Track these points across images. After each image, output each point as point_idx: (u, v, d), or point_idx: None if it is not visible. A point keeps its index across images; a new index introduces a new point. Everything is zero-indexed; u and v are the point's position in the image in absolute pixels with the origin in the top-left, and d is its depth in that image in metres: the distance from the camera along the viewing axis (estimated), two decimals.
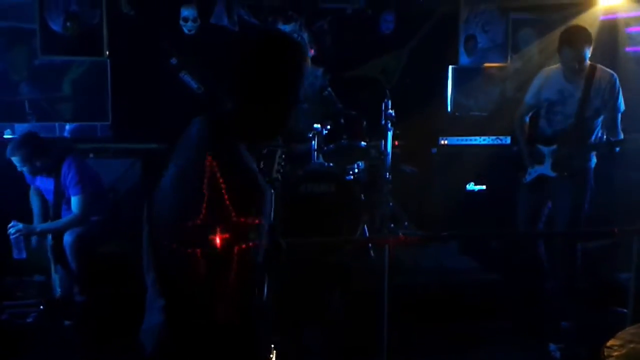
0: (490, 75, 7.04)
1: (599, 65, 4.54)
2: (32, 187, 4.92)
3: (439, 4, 6.86)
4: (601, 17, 6.46)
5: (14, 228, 4.61)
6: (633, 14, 6.30)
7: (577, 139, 4.55)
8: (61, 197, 4.74)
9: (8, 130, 6.13)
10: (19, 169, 4.66)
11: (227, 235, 1.73)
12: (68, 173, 4.67)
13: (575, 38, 4.39)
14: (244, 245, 1.75)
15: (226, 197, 1.74)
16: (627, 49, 6.42)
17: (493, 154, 6.38)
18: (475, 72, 7.04)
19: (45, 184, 4.77)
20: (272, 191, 1.98)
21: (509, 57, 7.11)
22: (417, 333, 4.34)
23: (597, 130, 4.62)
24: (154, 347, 1.92)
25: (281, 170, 2.26)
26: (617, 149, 4.55)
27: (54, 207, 4.76)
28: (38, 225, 4.80)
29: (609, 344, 2.24)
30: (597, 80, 4.47)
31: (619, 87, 4.51)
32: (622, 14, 6.38)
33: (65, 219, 4.72)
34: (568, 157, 4.58)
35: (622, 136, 4.57)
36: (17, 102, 6.06)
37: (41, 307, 4.77)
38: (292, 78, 1.93)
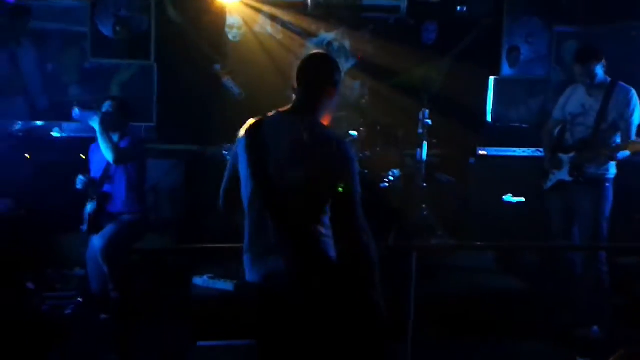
0: (532, 87, 6.98)
1: (619, 82, 4.75)
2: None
3: (481, 14, 6.85)
4: None
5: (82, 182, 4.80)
6: None
7: (592, 148, 4.70)
8: (108, 171, 4.85)
9: (56, 128, 6.38)
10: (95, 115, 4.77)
11: None
12: (127, 140, 4.85)
13: (583, 56, 4.74)
14: None
15: None
16: None
17: (532, 166, 6.29)
18: (517, 84, 7.00)
19: (100, 157, 4.86)
20: None
21: (551, 69, 7.03)
22: (444, 343, 4.35)
23: (615, 141, 4.75)
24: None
25: None
26: (621, 154, 4.63)
27: (100, 179, 4.86)
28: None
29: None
30: (615, 94, 4.69)
31: (635, 102, 4.68)
32: None
33: (112, 144, 4.70)
34: (583, 164, 4.74)
35: None
36: (66, 103, 6.26)
37: (79, 299, 4.95)
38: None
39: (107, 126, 4.72)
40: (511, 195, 6.37)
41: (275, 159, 2.64)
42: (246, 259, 2.76)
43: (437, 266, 5.27)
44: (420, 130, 5.72)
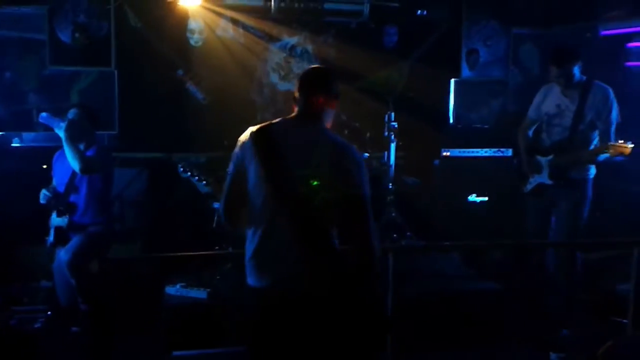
0: (491, 88, 7.12)
1: (595, 81, 4.75)
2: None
3: (441, 17, 6.97)
4: (601, 32, 6.57)
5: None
6: (633, 29, 6.38)
7: (572, 149, 4.72)
8: (73, 181, 4.72)
9: (16, 138, 6.22)
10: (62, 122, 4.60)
11: None
12: (92, 152, 4.72)
13: (559, 57, 4.71)
14: None
15: None
16: (627, 63, 6.50)
17: (494, 166, 6.45)
18: (477, 85, 7.13)
19: (65, 166, 4.73)
20: None
21: (509, 71, 7.20)
22: (419, 341, 4.39)
23: (593, 142, 4.78)
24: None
25: None
26: (601, 156, 4.64)
27: (65, 190, 4.73)
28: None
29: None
30: (592, 94, 4.69)
31: (612, 100, 4.70)
32: (622, 30, 6.47)
33: (79, 153, 4.54)
34: (563, 167, 4.75)
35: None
36: (25, 112, 6.14)
37: (49, 312, 4.83)
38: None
39: (73, 134, 4.59)
40: (475, 194, 6.50)
41: (288, 162, 2.70)
42: (252, 264, 2.79)
43: (407, 268, 5.32)
44: (387, 133, 5.77)
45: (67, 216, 4.66)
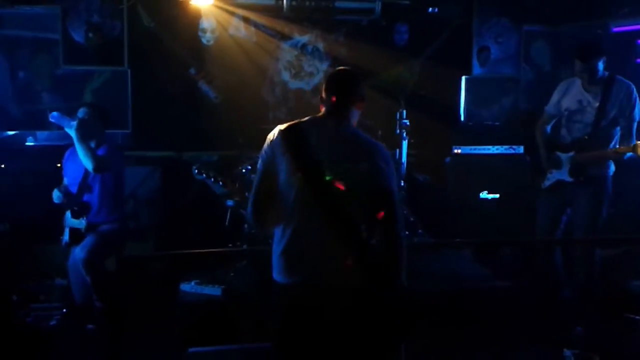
0: (502, 85, 7.12)
1: (617, 76, 4.71)
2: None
3: (452, 15, 6.96)
4: (613, 29, 6.56)
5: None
6: None
7: (593, 146, 4.69)
8: (86, 180, 4.78)
9: (30, 137, 6.28)
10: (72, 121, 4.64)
11: None
12: (104, 148, 4.77)
13: (585, 52, 4.66)
14: None
15: None
16: (638, 60, 6.49)
17: (506, 163, 6.45)
18: (488, 83, 7.13)
19: (77, 165, 4.78)
20: None
21: (521, 68, 7.19)
22: (429, 338, 4.40)
23: (615, 138, 4.74)
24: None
25: None
26: (626, 155, 4.63)
27: (78, 189, 4.78)
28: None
29: None
30: (615, 90, 4.64)
31: (635, 97, 4.67)
32: (633, 26, 6.46)
33: (91, 152, 4.59)
34: (585, 164, 4.72)
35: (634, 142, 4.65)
36: (39, 111, 6.19)
37: (64, 310, 4.88)
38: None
39: (84, 133, 4.62)
40: (487, 192, 6.49)
41: (320, 159, 2.75)
42: (282, 260, 2.81)
43: (419, 265, 5.33)
44: (398, 131, 5.78)
45: (84, 217, 4.71)
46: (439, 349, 4.38)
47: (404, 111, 5.80)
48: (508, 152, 6.59)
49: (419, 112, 6.16)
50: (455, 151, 6.59)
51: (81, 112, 4.74)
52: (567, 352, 4.27)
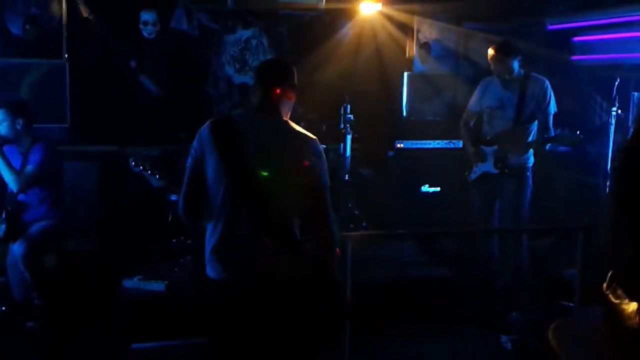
0: (442, 82, 7.27)
1: (532, 73, 5.01)
2: None
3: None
4: (548, 27, 6.78)
5: None
6: (578, 24, 6.60)
7: (514, 139, 4.97)
8: None
9: None
10: None
11: None
12: (36, 152, 4.65)
13: (501, 52, 4.90)
14: None
15: None
16: (573, 57, 6.73)
17: (446, 157, 6.60)
18: (429, 79, 7.27)
19: (11, 159, 4.69)
20: None
21: (460, 65, 7.36)
22: (375, 325, 4.48)
23: (533, 132, 5.06)
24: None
25: None
26: (548, 145, 5.00)
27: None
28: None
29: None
30: (531, 86, 4.94)
31: (550, 92, 4.97)
32: (568, 24, 6.69)
33: (12, 171, 4.56)
34: (507, 155, 5.00)
35: (553, 134, 4.97)
36: None
37: (3, 308, 4.76)
38: None
39: (9, 139, 4.59)
40: (428, 185, 6.64)
41: (249, 154, 2.70)
42: (214, 257, 2.79)
43: (364, 257, 5.40)
44: (342, 125, 5.85)
45: (15, 214, 4.62)
46: (383, 334, 4.47)
47: (348, 106, 5.87)
48: (448, 146, 6.74)
49: (362, 107, 6.24)
50: (398, 145, 6.71)
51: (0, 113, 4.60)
52: (503, 338, 4.43)
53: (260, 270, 2.72)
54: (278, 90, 2.85)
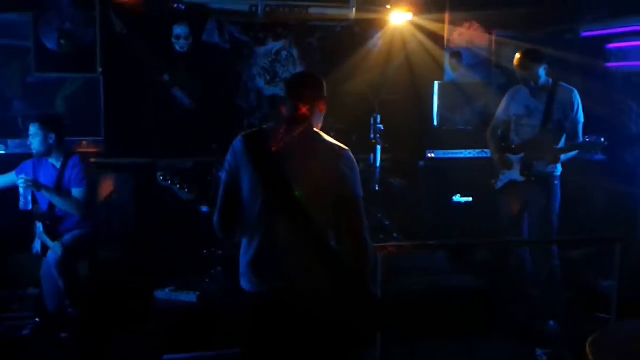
0: (474, 90, 7.20)
1: (560, 82, 4.98)
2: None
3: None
4: (582, 34, 6.69)
5: (23, 179, 4.67)
6: (612, 30, 6.51)
7: (541, 147, 4.92)
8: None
9: (1, 146, 6.19)
10: (29, 141, 4.80)
11: None
12: (74, 168, 4.80)
13: (525, 61, 4.89)
14: None
15: None
16: (607, 64, 6.62)
17: (478, 167, 6.53)
18: (460, 88, 7.21)
19: (45, 176, 4.83)
20: None
21: (492, 73, 7.29)
22: (410, 342, 4.45)
23: (561, 140, 5.00)
24: None
25: None
26: (573, 153, 4.96)
27: (50, 205, 4.81)
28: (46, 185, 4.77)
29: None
30: (559, 95, 4.91)
31: (578, 102, 4.94)
32: (602, 31, 6.60)
33: (70, 200, 4.76)
34: (533, 163, 4.96)
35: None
36: (10, 119, 6.12)
37: (37, 319, 4.83)
38: None
39: (42, 153, 4.77)
40: (460, 195, 6.57)
41: (284, 169, 2.72)
42: (250, 270, 2.81)
43: (395, 268, 5.36)
44: (372, 135, 5.83)
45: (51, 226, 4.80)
46: (414, 343, 4.45)
47: (378, 116, 5.85)
48: (480, 155, 6.69)
49: (393, 117, 6.22)
50: (429, 155, 6.67)
51: (32, 129, 4.77)
52: (539, 352, 4.34)
53: (297, 283, 2.73)
54: (309, 103, 2.88)
